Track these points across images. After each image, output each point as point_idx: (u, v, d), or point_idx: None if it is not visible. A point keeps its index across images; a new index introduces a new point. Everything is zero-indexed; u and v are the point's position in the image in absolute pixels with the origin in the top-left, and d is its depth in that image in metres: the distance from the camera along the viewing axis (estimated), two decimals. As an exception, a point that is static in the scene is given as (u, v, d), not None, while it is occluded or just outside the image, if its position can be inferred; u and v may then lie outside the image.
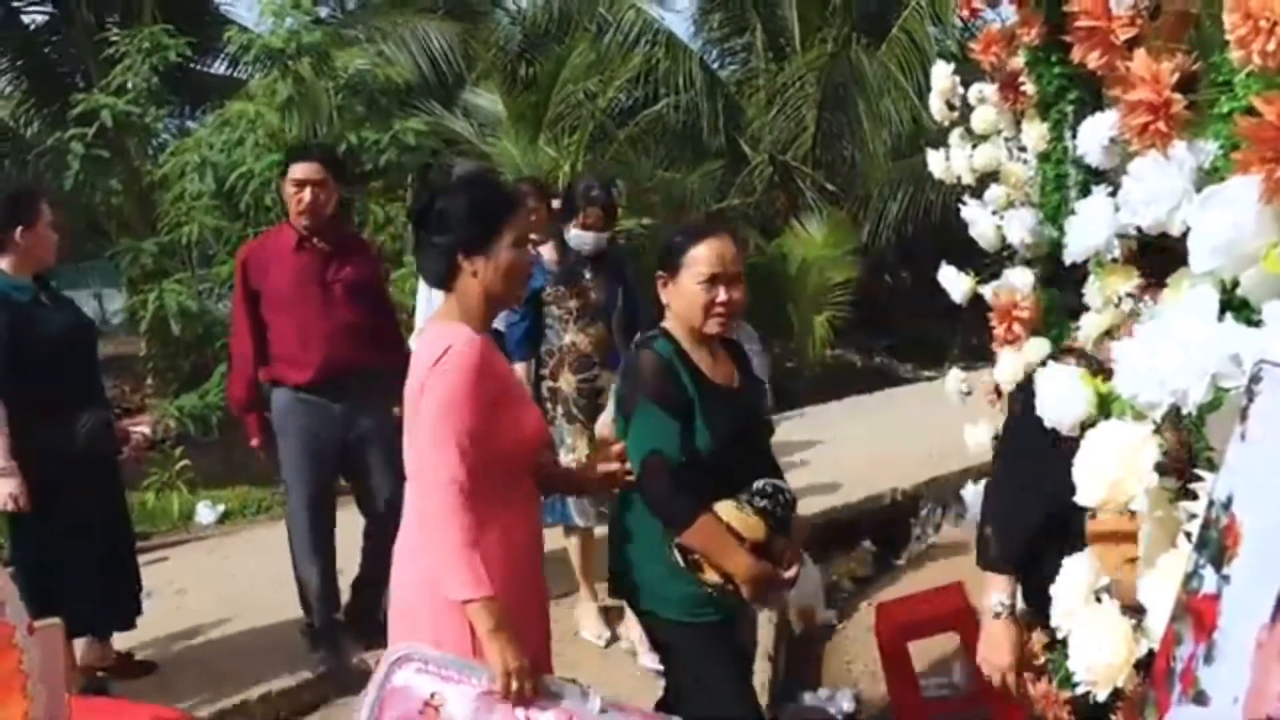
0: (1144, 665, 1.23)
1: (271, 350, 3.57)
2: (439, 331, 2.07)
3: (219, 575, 4.89)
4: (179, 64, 7.78)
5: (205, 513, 6.11)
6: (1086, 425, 1.25)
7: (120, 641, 3.78)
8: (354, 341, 3.56)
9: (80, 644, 3.60)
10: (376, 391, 3.52)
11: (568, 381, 3.75)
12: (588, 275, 3.79)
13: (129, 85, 7.28)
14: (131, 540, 3.86)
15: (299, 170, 3.52)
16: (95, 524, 3.46)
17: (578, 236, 3.77)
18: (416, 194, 2.36)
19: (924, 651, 3.53)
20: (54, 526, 3.34)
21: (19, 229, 3.31)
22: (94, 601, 3.46)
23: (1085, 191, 1.95)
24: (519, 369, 3.55)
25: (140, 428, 4.91)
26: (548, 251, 3.79)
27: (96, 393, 3.61)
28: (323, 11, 8.04)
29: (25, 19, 10.89)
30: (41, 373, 3.27)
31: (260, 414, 3.65)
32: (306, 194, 3.50)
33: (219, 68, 11.64)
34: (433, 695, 1.90)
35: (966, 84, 2.96)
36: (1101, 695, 1.28)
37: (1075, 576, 1.37)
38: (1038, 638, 2.54)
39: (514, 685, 1.88)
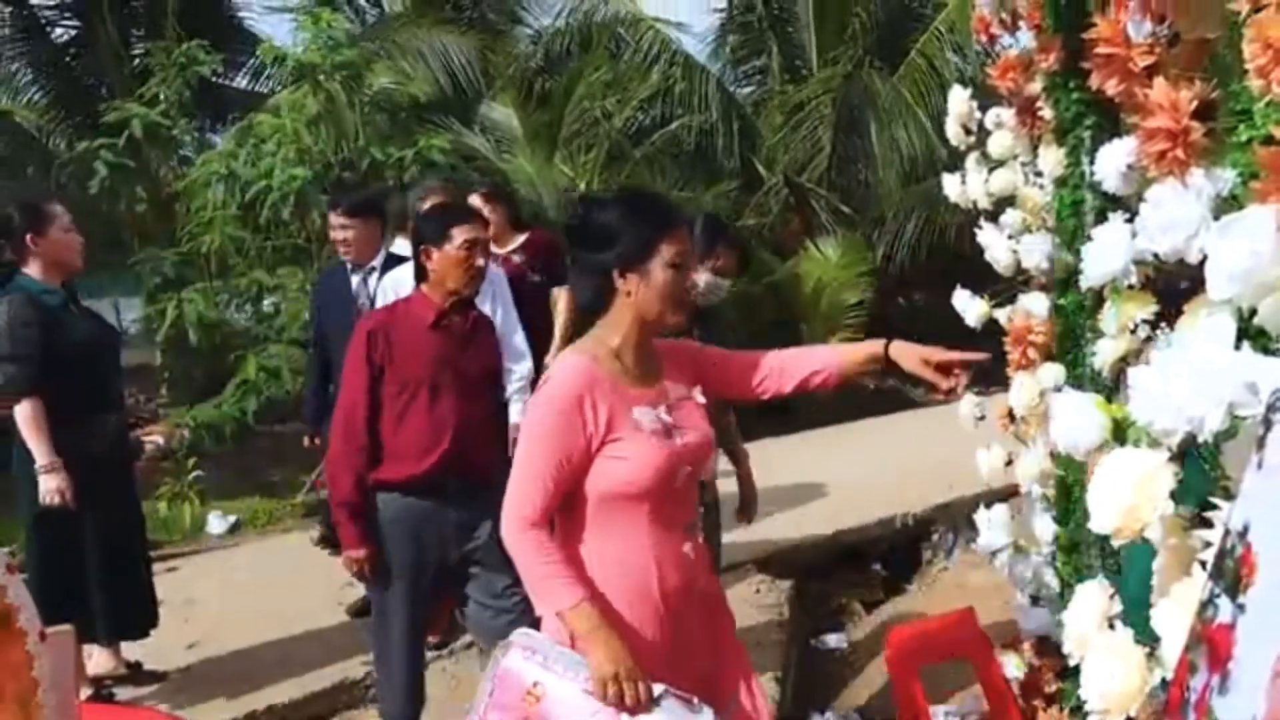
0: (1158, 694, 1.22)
1: (384, 445, 2.95)
2: (559, 359, 2.05)
3: (229, 586, 4.90)
4: (205, 78, 7.88)
5: (216, 523, 6.13)
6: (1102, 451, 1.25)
7: (129, 651, 3.80)
8: (481, 439, 3.05)
9: (91, 653, 3.64)
10: (497, 497, 3.23)
11: None
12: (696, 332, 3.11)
13: (161, 97, 7.38)
14: (146, 548, 3.89)
15: (472, 230, 2.93)
16: (111, 530, 3.50)
17: (711, 283, 3.14)
18: (570, 210, 2.12)
19: (935, 677, 3.50)
20: (71, 531, 3.39)
21: (29, 236, 3.38)
22: (108, 608, 3.49)
23: (1102, 217, 1.94)
24: None
25: (154, 437, 4.96)
26: None
27: (117, 401, 3.68)
28: (345, 26, 8.11)
29: (51, 31, 11.03)
30: (66, 377, 3.35)
31: (370, 520, 2.97)
32: (479, 258, 2.94)
33: (240, 81, 11.77)
34: (535, 684, 1.88)
35: (983, 109, 2.97)
36: (1114, 724, 1.27)
37: (1089, 603, 1.37)
38: (1048, 664, 2.53)
39: (611, 689, 1.82)
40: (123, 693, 3.73)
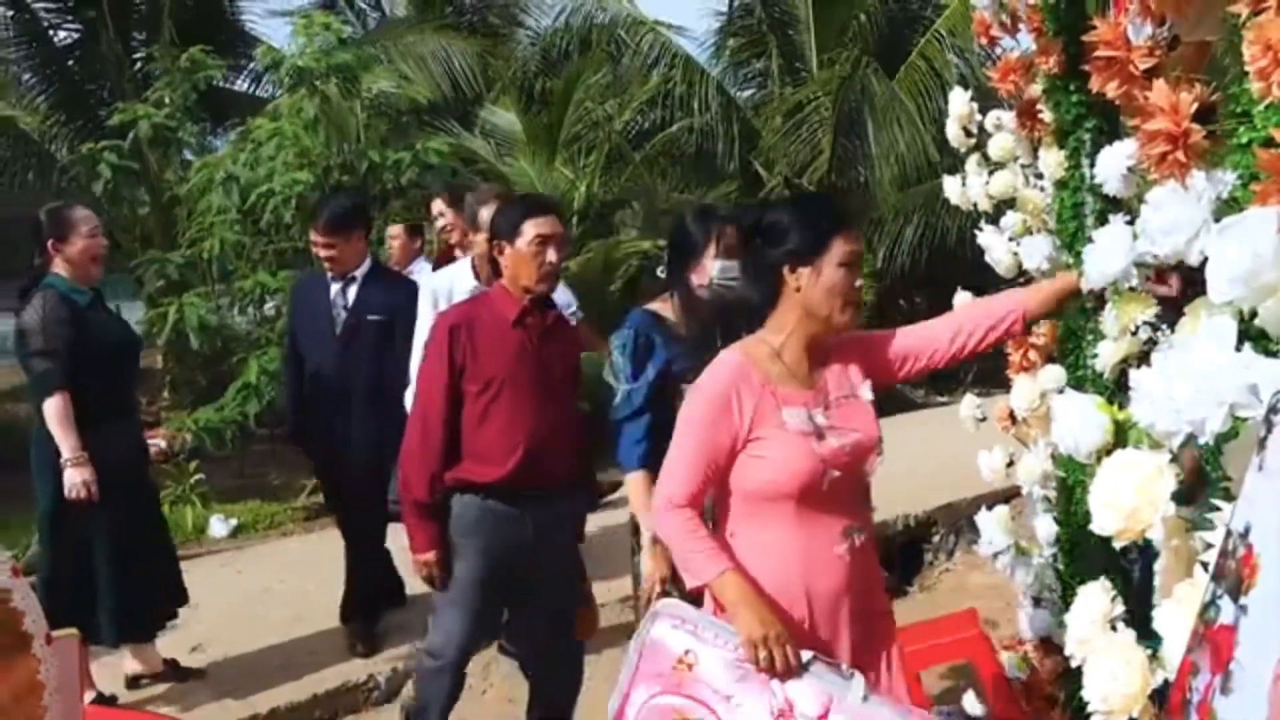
0: (1159, 695, 1.23)
1: (462, 445, 2.85)
2: (722, 353, 2.06)
3: (231, 589, 4.90)
4: (208, 82, 7.89)
5: (218, 527, 6.13)
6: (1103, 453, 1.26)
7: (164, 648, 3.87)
8: (563, 443, 2.93)
9: (126, 652, 3.75)
10: (576, 505, 3.09)
11: None
12: (719, 342, 2.94)
13: (166, 100, 7.39)
14: (171, 547, 3.98)
15: (545, 224, 2.81)
16: (126, 533, 3.54)
17: (724, 268, 2.77)
18: (748, 213, 2.06)
19: (936, 678, 3.50)
20: (86, 532, 3.45)
21: (51, 242, 3.47)
22: (118, 610, 3.53)
23: (1103, 220, 1.95)
24: (636, 480, 2.72)
25: (156, 441, 4.97)
26: (664, 308, 2.85)
27: (134, 404, 3.79)
28: (346, 30, 8.12)
29: (53, 36, 11.05)
30: (92, 377, 3.43)
31: (441, 523, 2.90)
32: (551, 253, 2.82)
33: (241, 85, 11.79)
34: (686, 652, 1.88)
35: (984, 111, 2.97)
36: (1116, 726, 1.27)
37: (1091, 604, 1.37)
38: (1050, 666, 2.53)
39: (761, 653, 1.82)
40: (129, 695, 3.74)
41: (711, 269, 2.74)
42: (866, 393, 2.09)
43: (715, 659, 1.87)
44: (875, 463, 2.08)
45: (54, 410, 3.37)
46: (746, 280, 2.13)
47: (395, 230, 5.52)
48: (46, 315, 3.38)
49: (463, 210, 4.48)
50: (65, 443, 3.37)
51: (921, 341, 2.16)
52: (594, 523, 3.58)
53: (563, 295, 3.45)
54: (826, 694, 1.81)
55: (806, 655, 1.86)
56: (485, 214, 3.40)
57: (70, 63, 10.94)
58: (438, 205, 4.69)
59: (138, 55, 10.34)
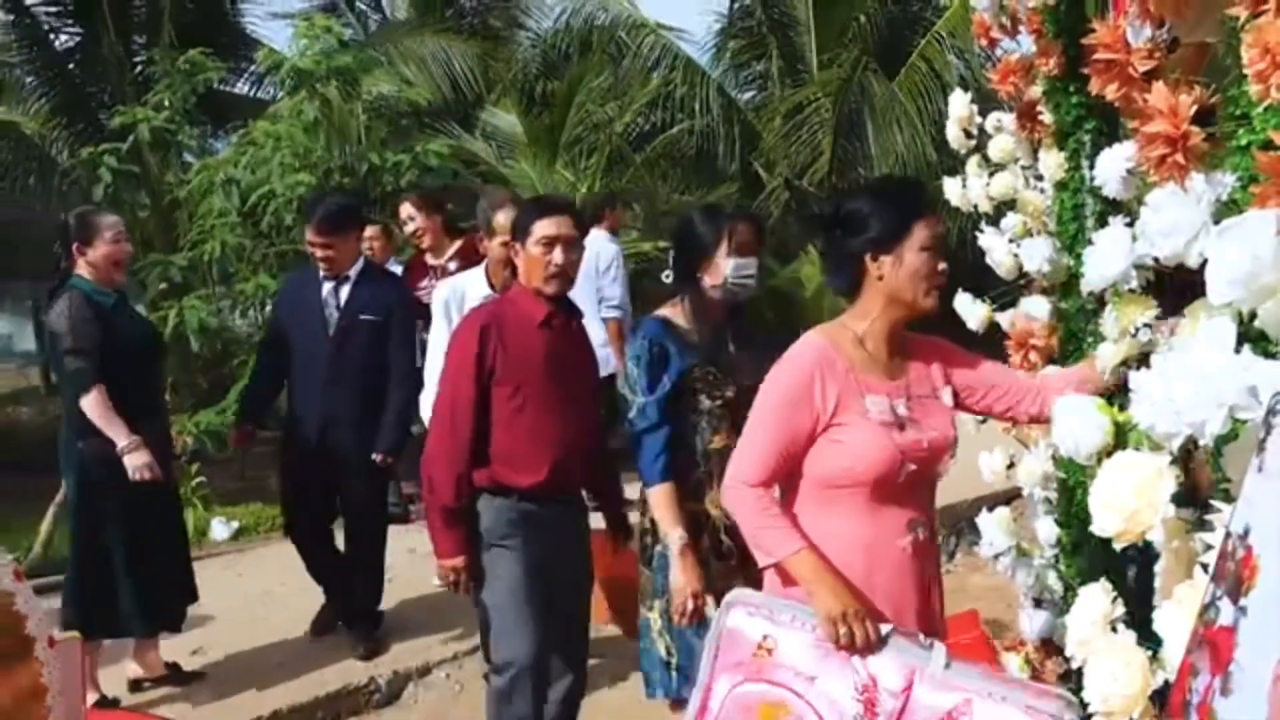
0: (1160, 696, 1.23)
1: (491, 447, 2.79)
2: (802, 338, 2.05)
3: (232, 592, 4.90)
4: (209, 84, 7.90)
5: (220, 529, 6.13)
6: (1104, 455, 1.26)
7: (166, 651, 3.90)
8: (586, 445, 2.94)
9: (129, 655, 3.79)
10: (583, 505, 3.09)
11: (717, 504, 2.66)
12: (731, 345, 2.76)
13: (166, 103, 7.39)
14: (186, 543, 4.03)
15: (551, 225, 2.77)
16: (152, 529, 3.62)
17: (738, 265, 2.69)
18: (827, 199, 2.09)
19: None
20: (114, 529, 3.53)
21: (77, 245, 3.55)
22: (147, 603, 3.61)
23: (1103, 221, 1.95)
24: (659, 493, 2.64)
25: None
26: (674, 314, 2.75)
27: (161, 403, 3.84)
28: (346, 33, 8.13)
29: (53, 39, 11.06)
30: (118, 377, 3.49)
31: (467, 527, 2.84)
32: (558, 254, 2.77)
33: (241, 88, 11.79)
34: (765, 638, 1.87)
35: (984, 112, 2.97)
36: (1117, 727, 1.27)
37: (1091, 606, 1.37)
38: (1051, 667, 2.53)
39: (841, 630, 1.81)
40: (131, 698, 3.74)
41: (725, 267, 2.66)
42: (947, 397, 2.09)
43: (794, 641, 1.85)
44: (949, 463, 2.07)
45: (93, 405, 3.45)
46: (827, 268, 2.12)
47: (373, 230, 5.47)
48: (74, 315, 3.45)
49: (433, 214, 4.44)
50: (114, 432, 3.46)
51: (1007, 387, 2.14)
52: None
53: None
54: (909, 666, 1.79)
55: (885, 628, 1.84)
56: (502, 218, 3.36)
57: (71, 66, 10.95)
58: (406, 209, 4.61)
59: (138, 59, 10.34)
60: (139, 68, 10.20)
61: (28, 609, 1.25)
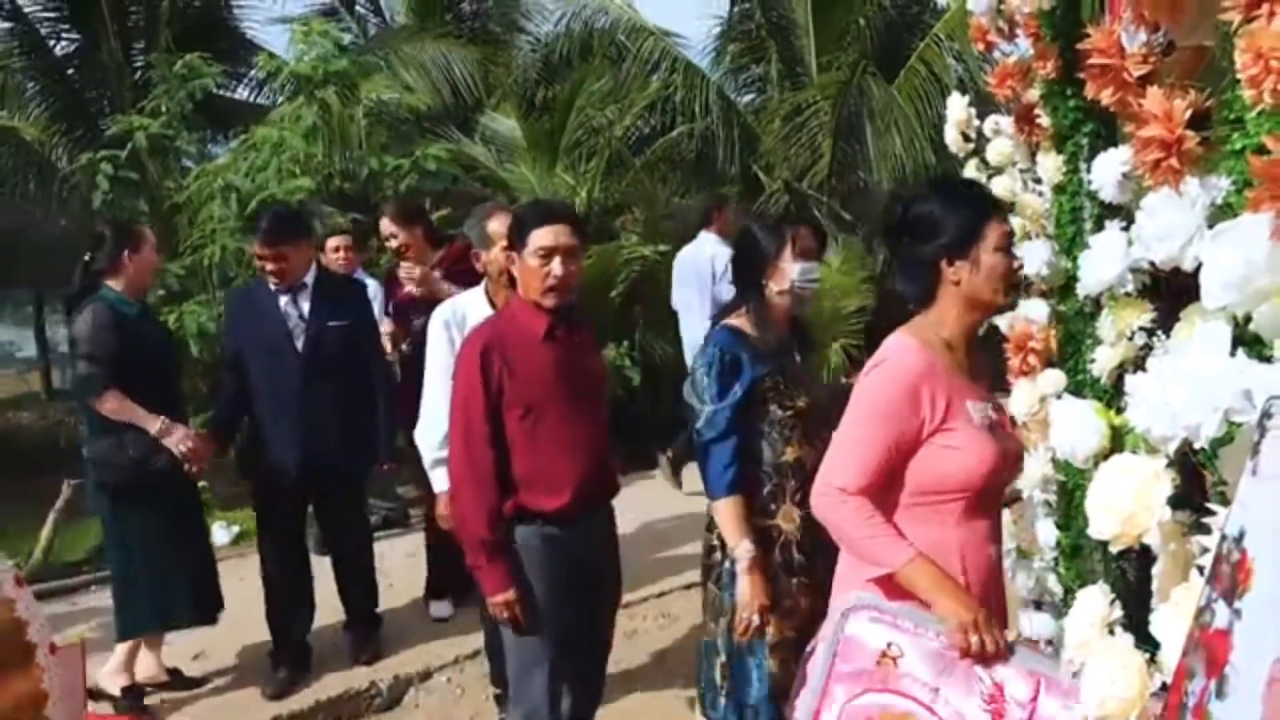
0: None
1: (509, 471, 2.66)
2: (890, 341, 2.00)
3: (232, 596, 4.88)
4: (207, 90, 7.91)
5: (220, 534, 6.13)
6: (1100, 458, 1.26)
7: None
8: (603, 455, 2.83)
9: (141, 660, 3.85)
10: (610, 516, 2.96)
11: (789, 519, 2.66)
12: (796, 354, 2.83)
13: (163, 109, 7.40)
14: (209, 543, 4.18)
15: (549, 235, 2.61)
16: (179, 529, 3.75)
17: (804, 269, 2.74)
18: (889, 206, 2.16)
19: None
20: (144, 532, 3.65)
21: (127, 253, 3.67)
22: (186, 597, 3.75)
23: (1100, 225, 1.96)
24: (727, 506, 2.63)
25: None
26: (743, 323, 2.74)
27: (180, 408, 3.93)
28: (346, 38, 8.14)
29: (53, 45, 11.06)
30: (141, 383, 3.60)
31: (512, 558, 2.67)
32: (557, 265, 2.61)
33: (241, 93, 11.80)
34: (889, 645, 1.79)
35: (982, 115, 2.98)
36: (1115, 729, 1.27)
37: (1089, 608, 1.37)
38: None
39: (971, 638, 1.74)
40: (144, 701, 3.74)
41: (792, 271, 2.70)
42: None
43: (918, 649, 1.77)
44: (1018, 472, 2.08)
45: (111, 407, 3.56)
46: (900, 275, 2.07)
47: (342, 240, 5.39)
48: (96, 323, 3.57)
49: (412, 226, 4.31)
50: (144, 423, 3.57)
51: None
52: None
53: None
54: (1035, 675, 1.74)
55: (1013, 638, 1.80)
56: (494, 225, 3.23)
57: (70, 72, 10.96)
58: (386, 226, 4.42)
59: (138, 64, 10.36)
60: (139, 73, 10.21)
61: (28, 615, 1.26)
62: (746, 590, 2.58)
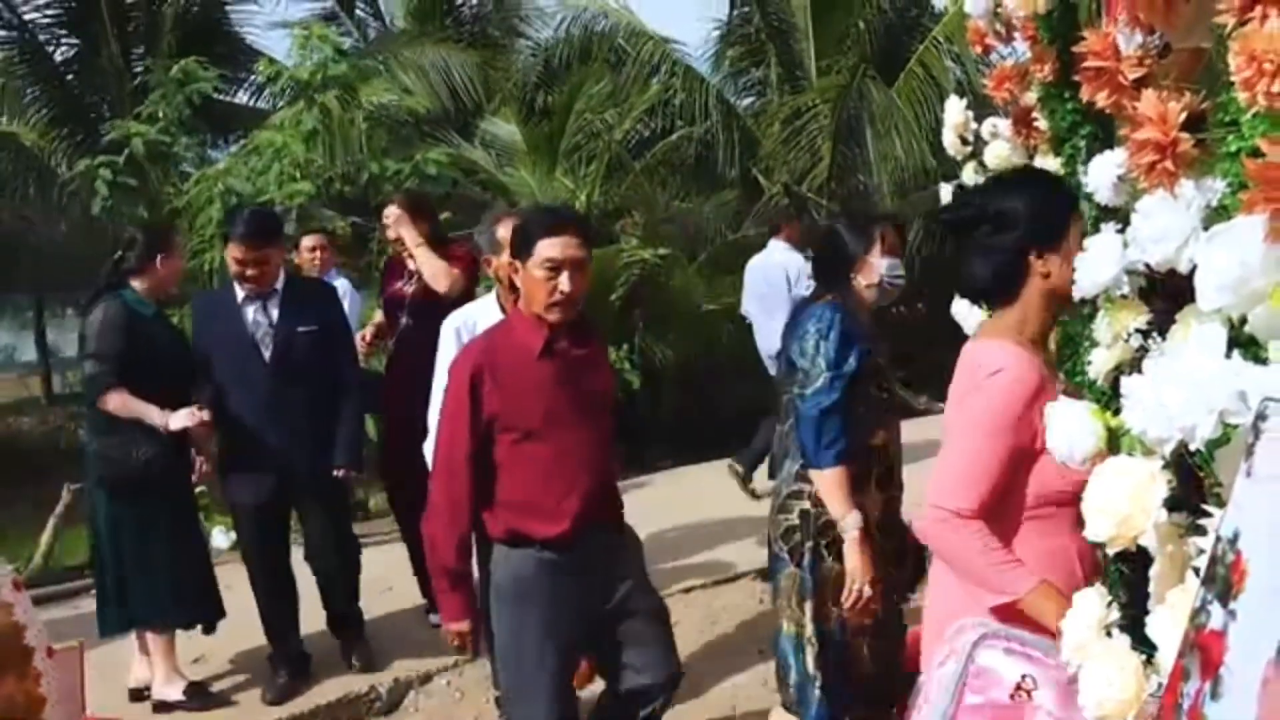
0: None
1: (503, 495, 2.52)
2: (992, 347, 1.91)
3: (231, 601, 4.89)
4: (205, 94, 7.93)
5: (220, 538, 6.12)
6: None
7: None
8: (607, 473, 2.70)
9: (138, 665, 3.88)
10: (630, 545, 2.76)
11: (874, 503, 2.70)
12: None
13: (160, 114, 7.42)
14: (204, 545, 4.23)
15: (556, 247, 2.42)
16: (176, 528, 3.74)
17: (891, 265, 2.80)
18: (958, 199, 2.16)
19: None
20: (146, 529, 3.66)
21: (160, 257, 3.70)
22: (178, 600, 3.74)
23: (1096, 228, 1.96)
24: (831, 477, 2.60)
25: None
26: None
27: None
28: (345, 42, 8.17)
29: (53, 50, 11.09)
30: (151, 384, 3.59)
31: (472, 586, 2.67)
32: (565, 280, 2.42)
33: (241, 98, 11.83)
34: (1023, 678, 1.69)
35: (980, 118, 2.99)
36: (1112, 731, 1.27)
37: (1086, 610, 1.37)
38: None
39: None
40: (132, 708, 3.74)
41: (881, 267, 2.74)
42: None
43: (1049, 681, 1.68)
44: None
45: (115, 405, 3.55)
46: (974, 267, 1.97)
47: (318, 240, 5.23)
48: (106, 321, 3.58)
49: (419, 221, 4.11)
50: (147, 416, 3.54)
51: None
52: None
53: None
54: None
55: None
56: (504, 232, 3.03)
57: (70, 78, 10.99)
58: (393, 212, 4.20)
59: (138, 69, 10.39)
60: (138, 78, 10.24)
61: (26, 619, 1.26)
62: (858, 562, 2.55)
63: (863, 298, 2.78)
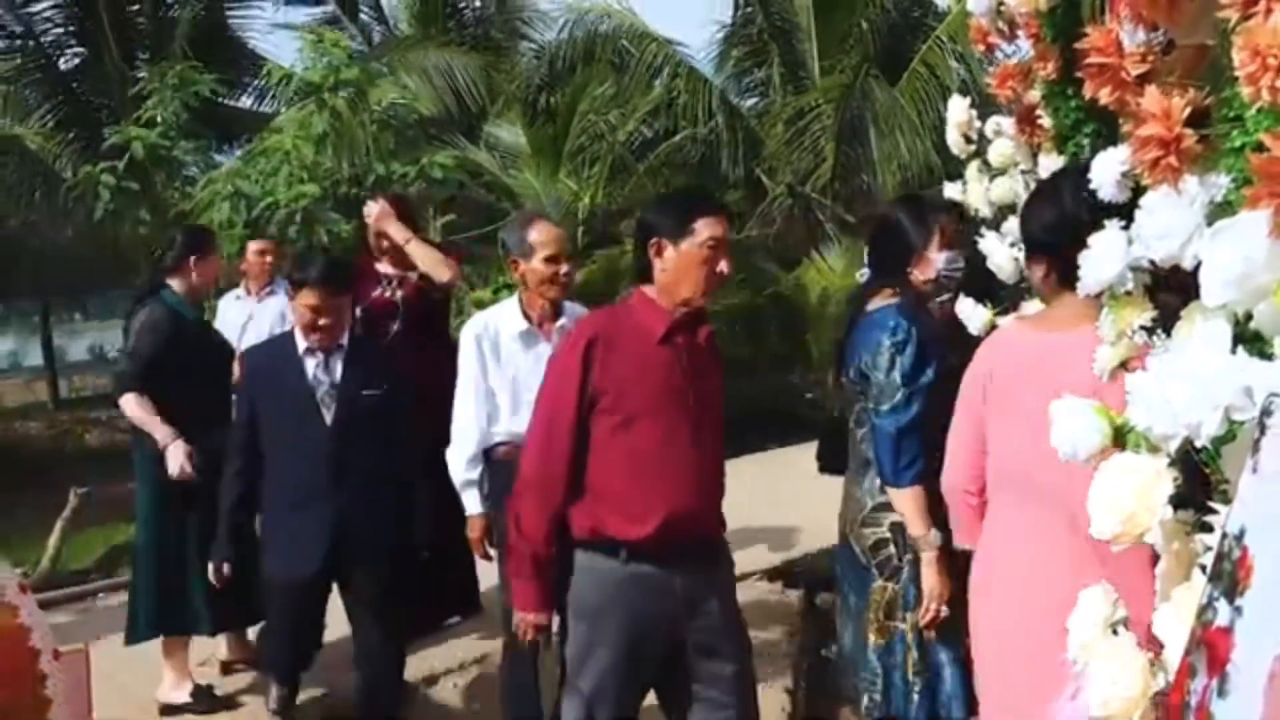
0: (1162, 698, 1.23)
1: (593, 484, 2.33)
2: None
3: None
4: (207, 99, 7.97)
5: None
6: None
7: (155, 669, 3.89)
8: (715, 487, 2.50)
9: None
10: (724, 558, 2.57)
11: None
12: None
13: (158, 119, 7.46)
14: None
15: (718, 225, 2.34)
16: (213, 530, 3.68)
17: (949, 258, 2.72)
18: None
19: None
20: (186, 528, 3.68)
21: (194, 258, 3.78)
22: (213, 602, 3.69)
23: (1099, 224, 1.95)
24: (910, 496, 2.54)
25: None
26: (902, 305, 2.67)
27: (227, 413, 3.90)
28: (350, 46, 8.20)
29: (58, 55, 11.14)
30: (191, 386, 3.66)
31: (555, 578, 2.41)
32: (724, 264, 2.35)
33: (246, 102, 11.86)
34: None
35: (983, 117, 2.98)
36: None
37: (1092, 608, 1.37)
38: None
39: None
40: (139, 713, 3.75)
41: (939, 262, 2.65)
42: None
43: None
44: None
45: (130, 407, 3.62)
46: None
47: (265, 245, 5.15)
48: (146, 322, 3.66)
49: (404, 218, 3.99)
50: (153, 430, 3.58)
51: None
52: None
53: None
54: None
55: None
56: (535, 235, 3.01)
57: (75, 84, 11.04)
58: (376, 210, 4.04)
59: (141, 75, 10.45)
60: (141, 83, 10.32)
61: (31, 622, 1.26)
62: (935, 581, 2.53)
63: (920, 291, 2.69)
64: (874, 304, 2.75)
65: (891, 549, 2.65)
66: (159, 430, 3.58)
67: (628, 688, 2.39)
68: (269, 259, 5.08)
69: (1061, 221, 1.89)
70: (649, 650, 2.38)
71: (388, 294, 4.04)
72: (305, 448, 3.26)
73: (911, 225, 2.72)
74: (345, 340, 3.33)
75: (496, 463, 3.13)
